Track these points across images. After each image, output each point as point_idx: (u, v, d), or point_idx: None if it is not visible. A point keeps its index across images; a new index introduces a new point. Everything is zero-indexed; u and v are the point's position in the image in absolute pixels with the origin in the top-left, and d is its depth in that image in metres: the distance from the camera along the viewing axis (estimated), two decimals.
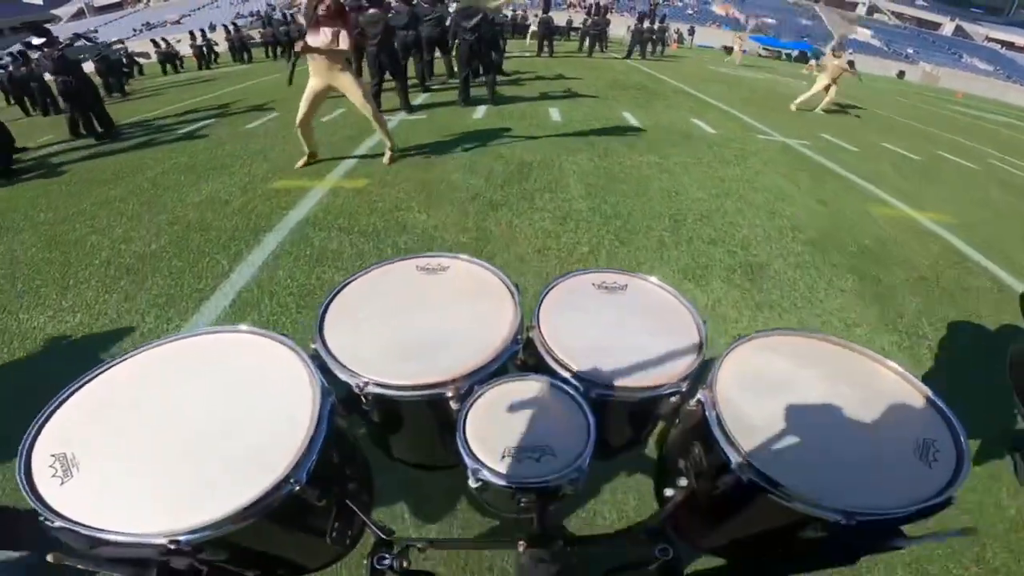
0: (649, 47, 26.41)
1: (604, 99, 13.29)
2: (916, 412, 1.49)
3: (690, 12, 52.16)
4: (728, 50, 41.01)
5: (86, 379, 1.48)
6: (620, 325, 1.85)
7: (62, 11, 57.16)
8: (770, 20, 52.74)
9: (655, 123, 10.84)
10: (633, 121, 10.87)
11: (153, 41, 25.76)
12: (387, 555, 1.55)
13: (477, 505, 1.69)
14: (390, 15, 10.00)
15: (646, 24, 26.11)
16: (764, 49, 42.79)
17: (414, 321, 1.81)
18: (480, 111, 10.89)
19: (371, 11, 9.40)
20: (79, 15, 57.33)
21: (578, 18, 33.30)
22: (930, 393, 1.53)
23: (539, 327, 1.83)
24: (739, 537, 1.63)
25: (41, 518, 1.14)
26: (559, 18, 31.10)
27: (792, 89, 18.72)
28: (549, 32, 22.15)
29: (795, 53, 42.15)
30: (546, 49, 22.14)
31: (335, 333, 1.75)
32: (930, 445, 1.38)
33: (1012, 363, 2.53)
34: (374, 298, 1.93)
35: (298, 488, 1.24)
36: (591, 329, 1.84)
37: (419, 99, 12.10)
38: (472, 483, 1.44)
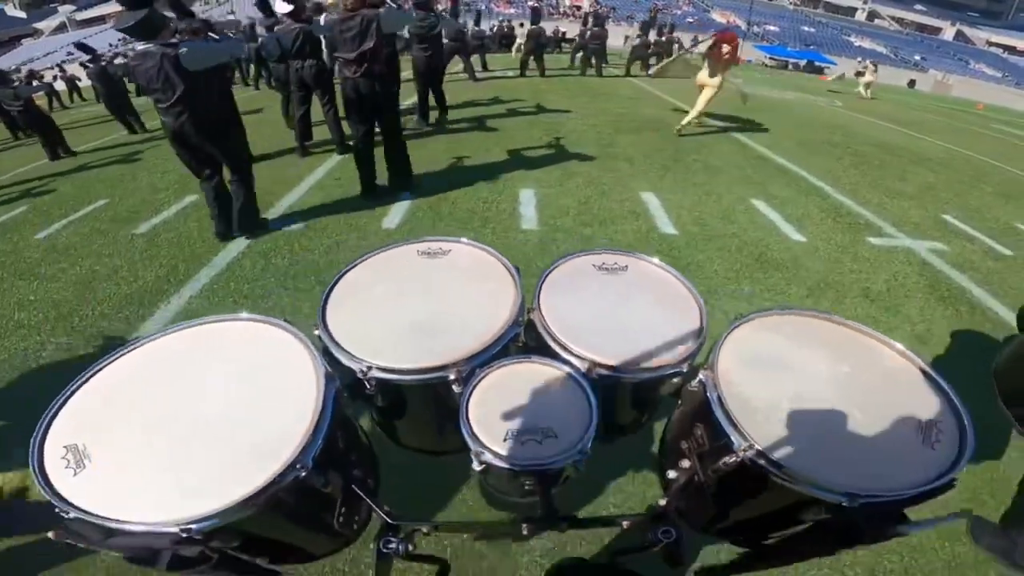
0: (654, 61, 22.70)
1: (609, 159, 8.73)
2: (919, 393, 1.49)
3: (690, 20, 51.82)
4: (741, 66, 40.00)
5: (94, 370, 1.50)
6: (621, 306, 1.86)
7: (43, 25, 57.68)
8: (772, 27, 52.64)
9: (699, 222, 6.40)
10: (661, 220, 6.41)
11: None
12: (393, 539, 1.56)
13: (482, 488, 1.69)
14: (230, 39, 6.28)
15: (651, 36, 23.19)
16: (770, 59, 42.31)
17: (416, 305, 1.82)
18: (398, 210, 6.51)
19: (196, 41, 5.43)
20: (61, 29, 57.81)
21: (572, 28, 29.63)
22: (933, 373, 1.53)
23: (540, 309, 1.84)
24: (742, 519, 1.63)
25: (56, 509, 1.15)
26: (549, 28, 28.52)
27: (831, 114, 16.23)
28: (539, 47, 18.98)
29: (803, 63, 41.69)
30: (533, 67, 19.10)
31: (338, 319, 1.76)
32: (933, 426, 1.38)
33: (997, 370, 2.50)
34: (376, 283, 1.95)
35: (304, 474, 1.26)
36: (592, 310, 1.84)
37: (314, 177, 7.71)
38: (476, 466, 1.45)
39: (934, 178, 9.46)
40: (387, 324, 1.72)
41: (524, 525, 1.54)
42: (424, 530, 1.69)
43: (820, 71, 39.92)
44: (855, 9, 66.46)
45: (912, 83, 43.01)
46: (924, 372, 1.55)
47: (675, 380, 1.67)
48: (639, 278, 2.04)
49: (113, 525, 1.14)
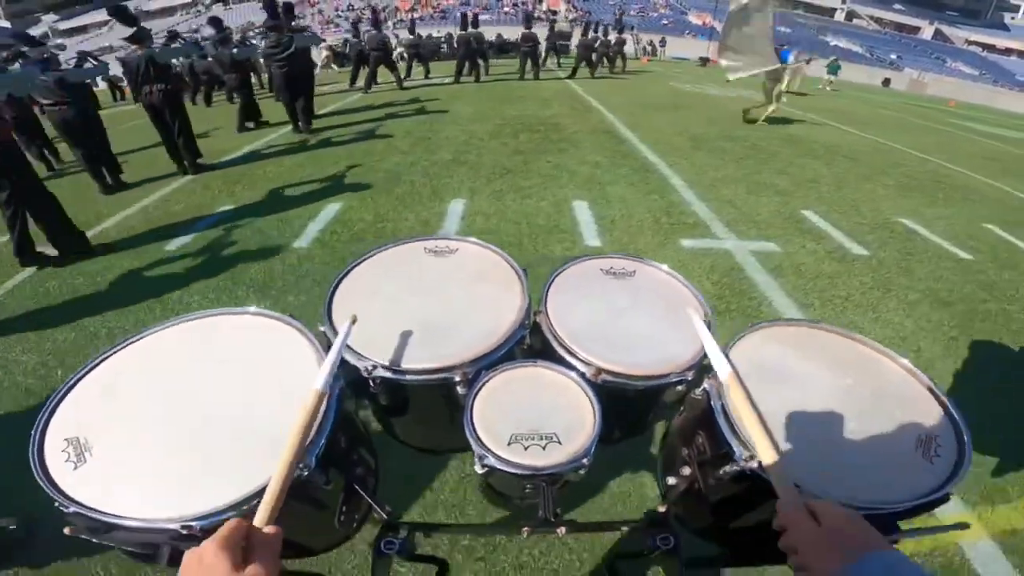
0: (604, 62, 23.74)
1: (453, 165, 8.73)
2: (920, 407, 1.50)
3: (666, 23, 51.76)
4: (704, 61, 38.74)
5: (95, 362, 1.49)
6: (628, 312, 1.85)
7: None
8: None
9: (490, 230, 6.28)
10: (449, 229, 6.29)
11: None
12: (393, 539, 1.56)
13: (482, 490, 1.69)
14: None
15: (597, 36, 23.06)
16: None
17: (422, 304, 1.82)
18: (189, 230, 6.50)
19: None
20: (44, 38, 57.29)
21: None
22: (935, 388, 1.54)
23: (546, 312, 1.83)
24: (739, 526, 1.63)
25: (56, 504, 1.14)
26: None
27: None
28: (471, 53, 19.00)
29: None
30: (470, 73, 19.28)
31: (343, 316, 1.72)
32: (932, 440, 1.39)
33: None
34: (382, 280, 1.94)
35: (307, 473, 1.25)
36: (598, 315, 1.83)
37: (147, 200, 7.67)
38: (478, 469, 1.45)
39: (826, 171, 9.41)
40: (393, 322, 1.71)
41: (523, 527, 1.54)
42: (424, 531, 1.69)
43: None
44: (834, 9, 66.74)
45: (887, 82, 43.04)
46: (927, 387, 1.56)
47: (679, 388, 1.67)
48: (646, 284, 2.04)
49: (113, 520, 1.13)
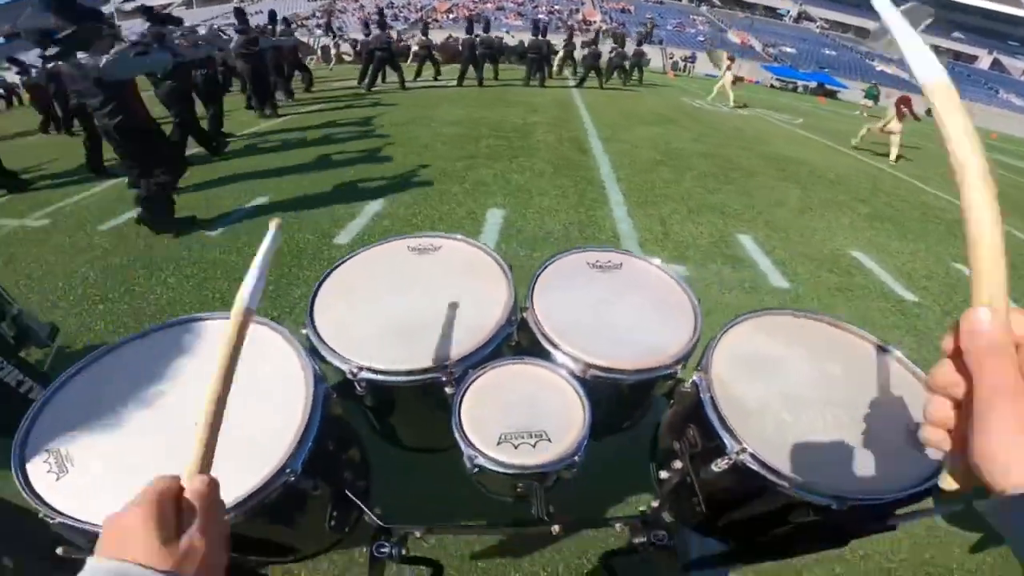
0: (617, 74, 22.94)
1: (400, 167, 8.37)
2: (909, 394, 1.47)
3: (702, 39, 50.15)
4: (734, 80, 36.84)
5: (73, 372, 1.47)
6: (615, 305, 1.84)
7: (106, 9, 59.38)
8: (789, 49, 51.92)
9: (399, 225, 6.33)
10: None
11: None
12: (386, 543, 1.55)
13: (474, 489, 1.67)
14: None
15: (607, 48, 22.67)
16: (777, 80, 41.09)
17: (406, 304, 1.80)
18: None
19: None
20: (109, 18, 59.89)
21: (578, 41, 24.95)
22: (923, 375, 1.50)
23: (533, 308, 1.81)
24: (733, 519, 1.62)
25: (41, 515, 1.15)
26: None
27: (760, 130, 15.30)
28: (473, 57, 18.72)
29: (812, 84, 40.44)
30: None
31: (326, 318, 1.73)
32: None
33: None
34: (365, 281, 1.92)
35: (293, 478, 1.25)
36: (585, 310, 1.82)
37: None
38: (469, 469, 1.44)
39: (797, 195, 8.64)
40: (377, 323, 1.71)
41: (517, 527, 1.53)
42: (417, 533, 1.67)
43: (832, 94, 38.85)
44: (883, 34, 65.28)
45: (929, 112, 41.85)
46: (916, 375, 1.54)
47: (669, 381, 1.66)
48: (633, 277, 2.02)
49: (97, 530, 1.12)
